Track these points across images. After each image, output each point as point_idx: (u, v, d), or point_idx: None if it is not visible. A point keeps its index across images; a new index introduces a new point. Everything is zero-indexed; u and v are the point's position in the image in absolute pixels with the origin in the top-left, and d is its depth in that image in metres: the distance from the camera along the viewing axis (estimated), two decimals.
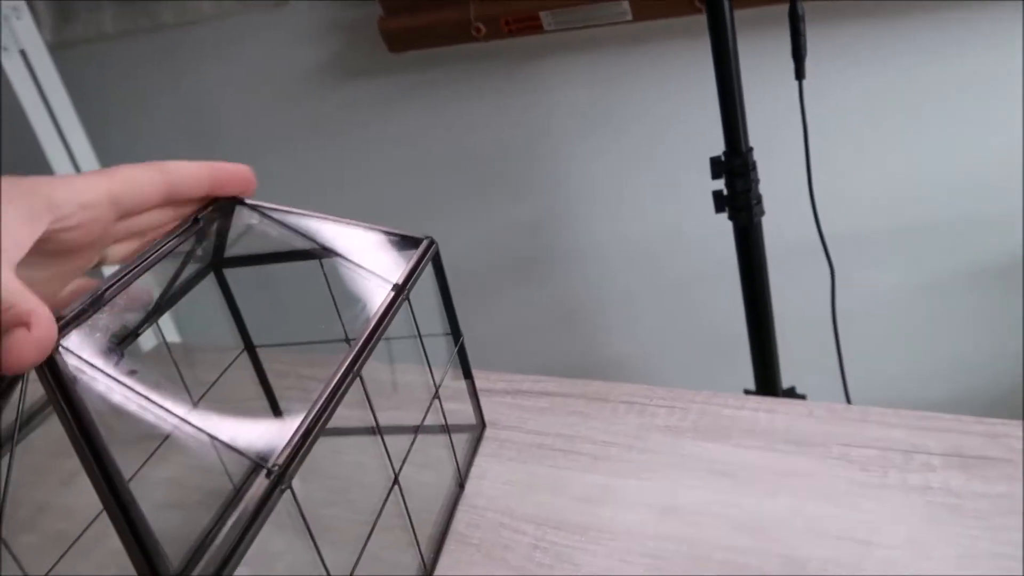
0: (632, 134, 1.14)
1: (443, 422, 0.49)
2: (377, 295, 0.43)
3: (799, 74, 0.81)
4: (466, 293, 1.34)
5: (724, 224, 0.89)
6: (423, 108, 1.20)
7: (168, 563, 0.28)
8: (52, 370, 0.29)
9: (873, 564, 0.39)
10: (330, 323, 0.49)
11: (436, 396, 0.48)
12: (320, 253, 0.45)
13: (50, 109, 1.22)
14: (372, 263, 0.45)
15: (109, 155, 1.28)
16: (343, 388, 0.36)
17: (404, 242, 0.47)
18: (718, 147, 0.85)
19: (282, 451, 0.31)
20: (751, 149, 0.84)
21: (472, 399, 0.54)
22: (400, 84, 1.20)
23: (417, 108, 1.21)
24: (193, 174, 0.39)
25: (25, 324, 0.28)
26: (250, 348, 0.56)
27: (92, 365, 0.31)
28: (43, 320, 0.29)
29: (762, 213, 0.86)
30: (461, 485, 0.50)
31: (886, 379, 1.17)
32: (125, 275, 0.35)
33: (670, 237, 1.19)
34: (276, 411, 0.59)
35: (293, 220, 0.45)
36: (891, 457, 0.45)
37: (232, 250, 0.49)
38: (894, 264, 1.13)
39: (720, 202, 0.86)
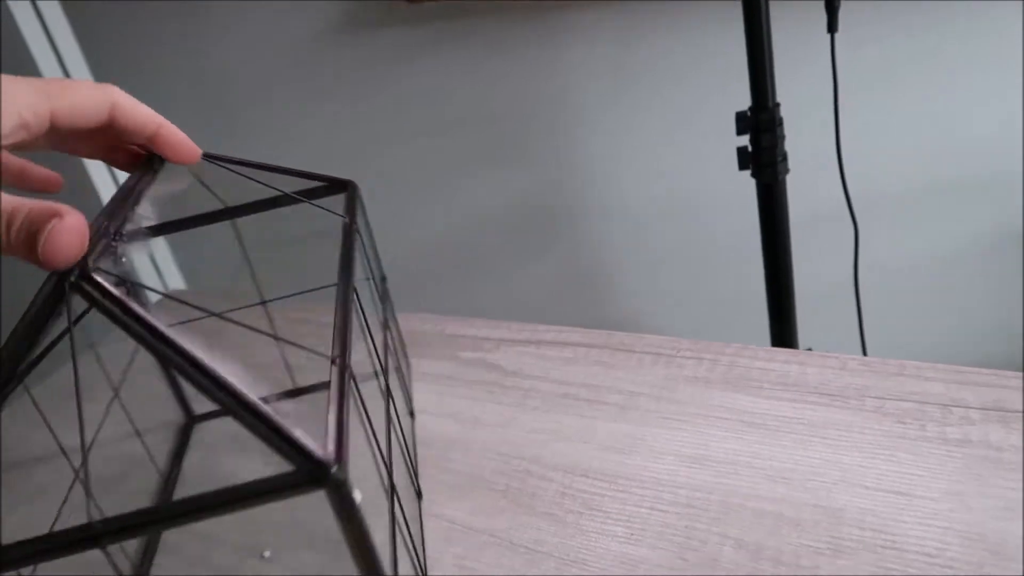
0: (656, 89, 1.11)
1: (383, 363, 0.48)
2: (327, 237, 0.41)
3: (831, 27, 0.78)
4: (486, 249, 1.33)
5: (747, 182, 0.88)
6: (441, 61, 1.18)
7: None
8: (91, 281, 0.28)
9: (912, 515, 0.38)
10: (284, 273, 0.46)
11: (387, 330, 0.47)
12: (258, 205, 0.43)
13: (60, 59, 1.20)
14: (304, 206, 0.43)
15: None
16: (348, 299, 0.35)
17: (328, 188, 0.45)
18: (744, 102, 0.83)
19: (334, 344, 0.31)
20: (778, 104, 0.82)
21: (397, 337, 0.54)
22: (418, 36, 1.17)
23: (435, 61, 1.18)
24: (140, 123, 0.36)
25: (56, 214, 0.27)
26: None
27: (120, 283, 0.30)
28: (71, 209, 0.28)
29: (787, 171, 0.85)
30: (412, 414, 0.52)
31: (906, 342, 1.16)
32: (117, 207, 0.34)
33: (691, 195, 1.17)
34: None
35: (217, 170, 0.42)
36: (928, 411, 0.44)
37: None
38: (919, 226, 1.11)
39: (744, 158, 0.85)
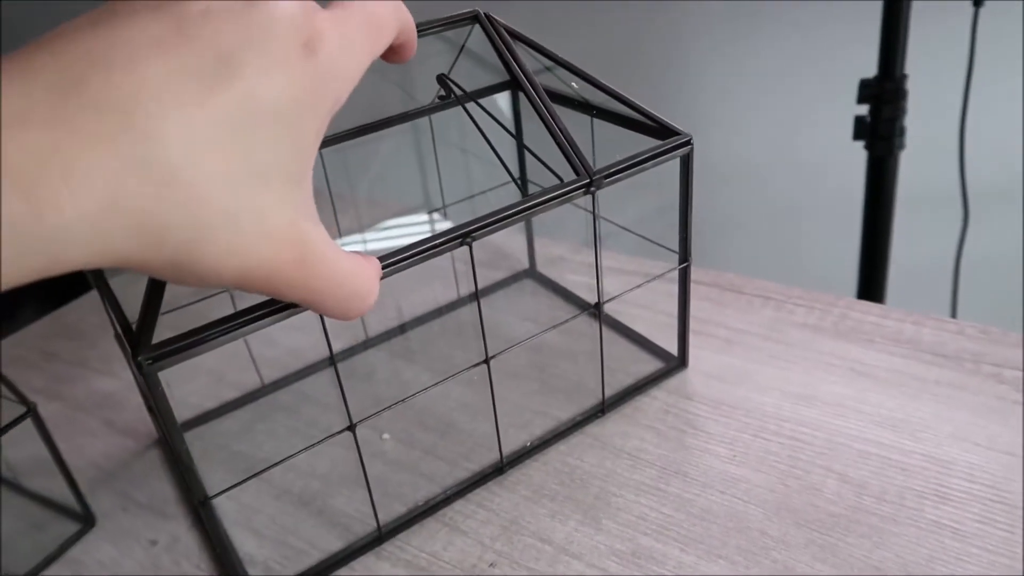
0: (770, 47, 1.08)
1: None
2: None
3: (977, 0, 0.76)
4: None
5: (852, 154, 0.86)
6: (550, 4, 1.17)
7: None
8: None
9: None
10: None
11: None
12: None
13: None
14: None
15: None
16: None
17: (656, 131, 0.41)
18: (860, 71, 0.81)
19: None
20: (906, 76, 0.80)
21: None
22: None
23: (544, 5, 1.17)
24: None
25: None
26: None
27: None
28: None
29: (902, 147, 0.83)
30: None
31: None
32: None
33: (789, 160, 1.14)
34: None
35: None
36: None
37: None
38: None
39: (861, 128, 0.83)
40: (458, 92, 0.41)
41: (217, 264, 0.20)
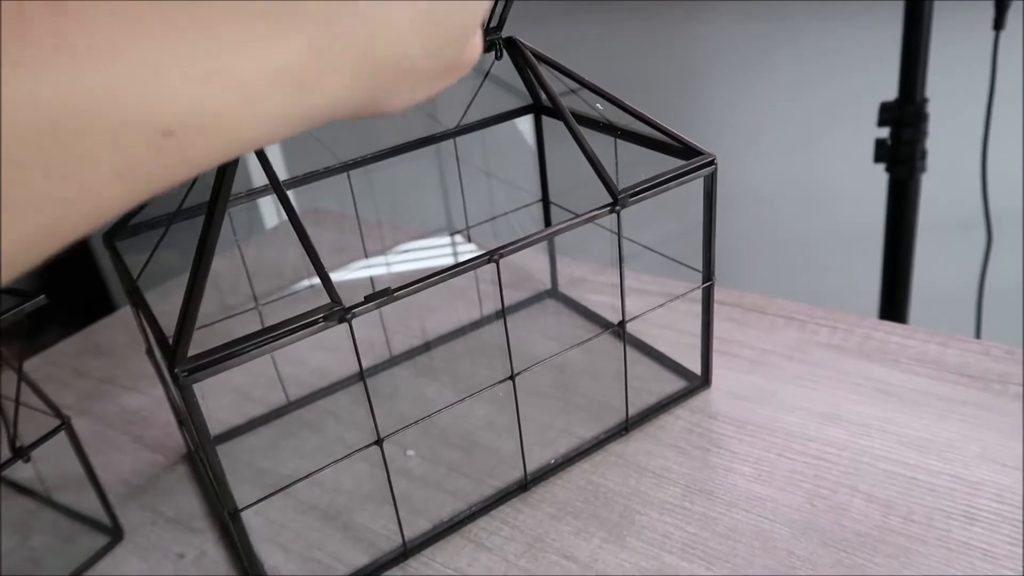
0: (791, 70, 1.09)
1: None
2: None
3: (998, 24, 0.76)
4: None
5: (872, 178, 0.86)
6: (570, 28, 1.18)
7: None
8: None
9: None
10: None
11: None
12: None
13: None
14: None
15: None
16: None
17: (680, 152, 0.42)
18: (880, 95, 0.81)
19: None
20: (926, 100, 0.80)
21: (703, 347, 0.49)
22: (548, 5, 1.18)
23: (563, 29, 1.19)
24: None
25: None
26: None
27: None
28: None
29: (923, 169, 0.83)
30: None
31: None
32: None
33: (811, 182, 1.14)
34: None
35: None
36: None
37: None
38: None
39: (881, 151, 0.83)
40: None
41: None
